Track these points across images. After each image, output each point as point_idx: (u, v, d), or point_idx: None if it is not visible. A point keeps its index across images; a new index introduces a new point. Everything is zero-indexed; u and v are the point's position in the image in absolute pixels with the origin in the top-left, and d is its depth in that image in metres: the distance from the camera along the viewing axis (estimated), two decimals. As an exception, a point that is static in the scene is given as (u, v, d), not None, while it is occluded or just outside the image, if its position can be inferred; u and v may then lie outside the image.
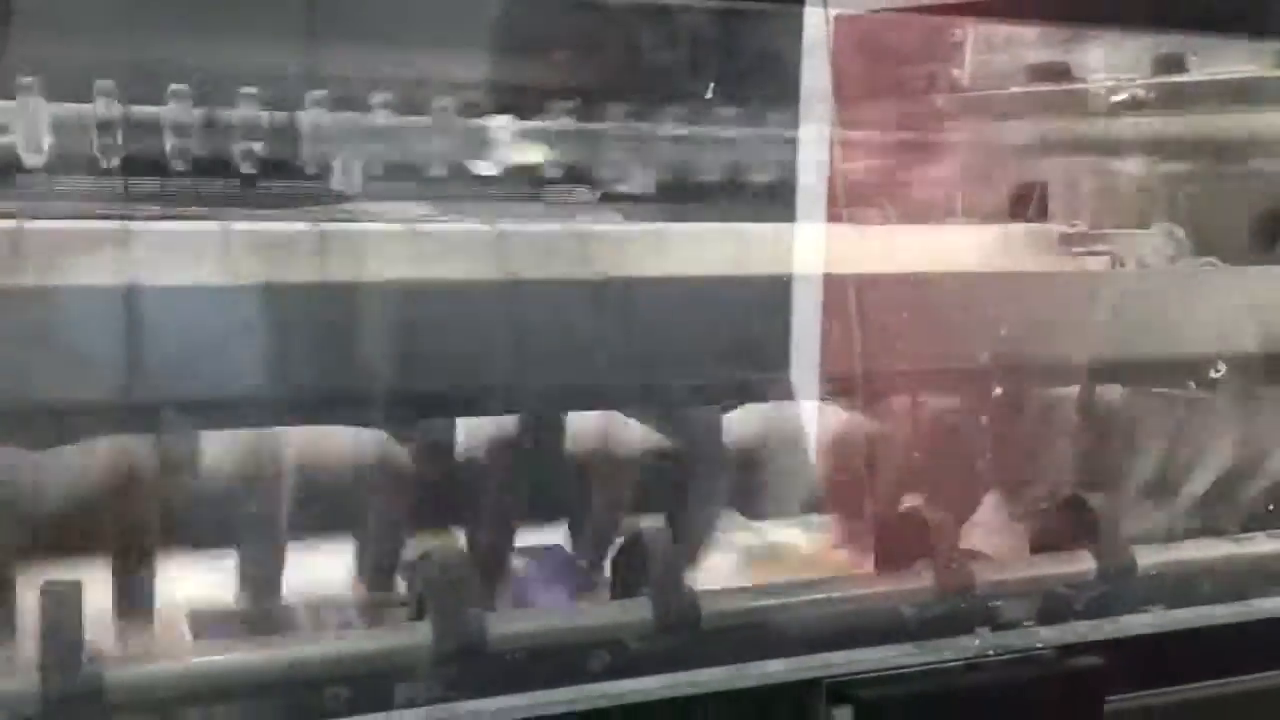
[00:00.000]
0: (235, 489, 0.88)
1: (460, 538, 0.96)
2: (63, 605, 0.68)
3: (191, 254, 0.99)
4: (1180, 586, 0.93)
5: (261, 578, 0.91)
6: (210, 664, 0.72)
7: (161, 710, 0.70)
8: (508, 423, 0.96)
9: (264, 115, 1.13)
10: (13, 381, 0.78)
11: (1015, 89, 1.51)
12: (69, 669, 0.67)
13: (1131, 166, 1.48)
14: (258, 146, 1.15)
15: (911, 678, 0.74)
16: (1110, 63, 1.45)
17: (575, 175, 1.53)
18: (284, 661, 0.73)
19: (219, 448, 0.89)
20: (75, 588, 0.68)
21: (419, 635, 0.75)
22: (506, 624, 0.77)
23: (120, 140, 1.08)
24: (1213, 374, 1.18)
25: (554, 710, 0.72)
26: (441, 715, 0.72)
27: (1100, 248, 1.41)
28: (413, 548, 0.90)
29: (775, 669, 0.74)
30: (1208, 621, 0.86)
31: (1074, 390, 1.18)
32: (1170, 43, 1.37)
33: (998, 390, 1.12)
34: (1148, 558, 0.93)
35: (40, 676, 0.66)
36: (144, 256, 0.99)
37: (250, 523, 0.89)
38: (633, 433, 1.01)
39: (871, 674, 0.73)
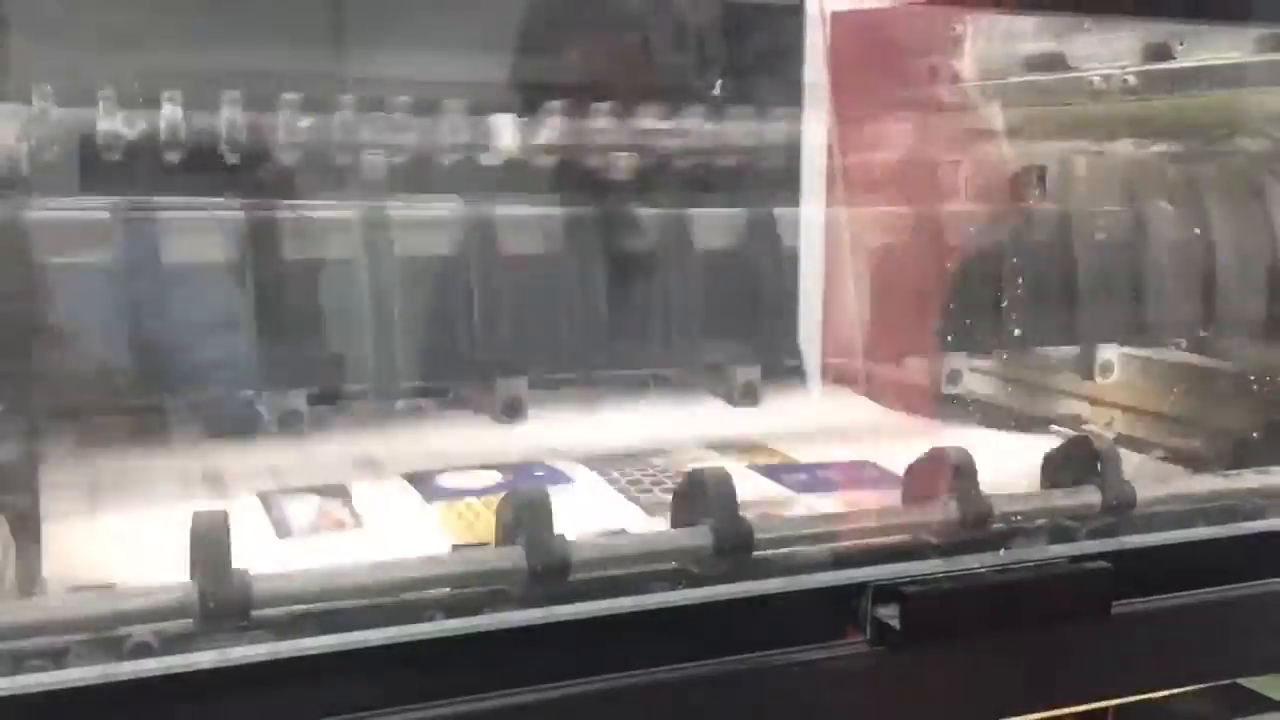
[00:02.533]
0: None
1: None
2: (213, 527, 0.78)
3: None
4: (1175, 518, 1.04)
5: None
6: (332, 578, 0.83)
7: (294, 619, 0.80)
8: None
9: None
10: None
11: (1013, 78, 1.61)
12: (221, 582, 0.77)
13: (1124, 148, 1.59)
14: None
15: (947, 580, 0.85)
16: (1102, 52, 1.56)
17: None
18: (394, 579, 0.84)
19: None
20: (222, 514, 0.79)
21: (513, 558, 0.86)
22: (586, 549, 0.88)
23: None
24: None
25: (625, 611, 0.83)
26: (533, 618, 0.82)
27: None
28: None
29: (825, 578, 0.85)
30: (1202, 538, 0.97)
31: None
32: (1159, 31, 1.48)
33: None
34: (1147, 492, 1.04)
35: (196, 589, 0.77)
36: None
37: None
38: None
39: (912, 579, 0.84)
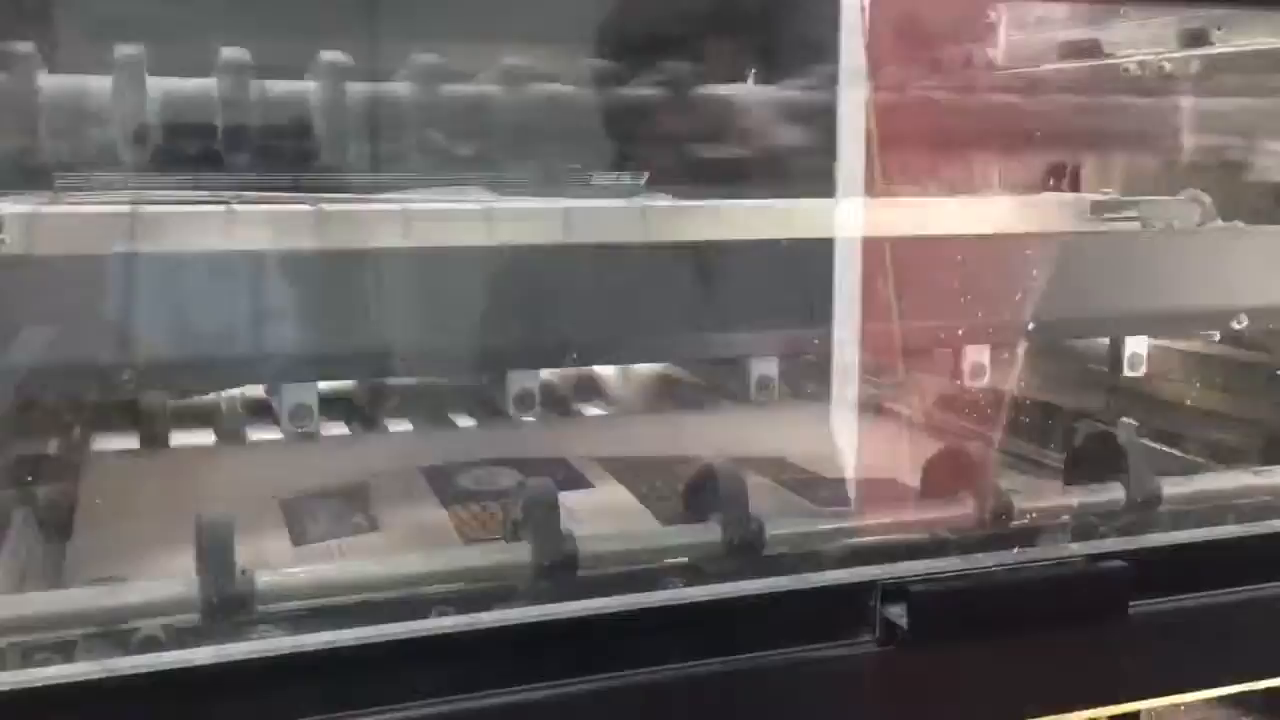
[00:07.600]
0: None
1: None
2: (219, 528, 0.78)
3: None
4: (1203, 516, 1.02)
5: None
6: (338, 574, 0.83)
7: (297, 615, 0.80)
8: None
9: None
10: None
11: (1048, 66, 1.58)
12: (225, 579, 0.77)
13: (1159, 137, 1.55)
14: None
15: (957, 579, 0.83)
16: (1138, 38, 1.52)
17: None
18: (399, 574, 0.84)
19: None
20: (229, 515, 0.79)
21: (519, 553, 0.85)
22: (593, 544, 0.87)
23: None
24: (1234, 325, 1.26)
25: (633, 608, 0.82)
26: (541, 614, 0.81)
27: (1130, 214, 1.48)
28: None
29: (834, 577, 0.84)
30: (1226, 535, 0.95)
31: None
32: (1195, 18, 1.44)
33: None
34: (1173, 489, 1.02)
35: (201, 585, 0.77)
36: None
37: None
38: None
39: (921, 577, 0.82)
